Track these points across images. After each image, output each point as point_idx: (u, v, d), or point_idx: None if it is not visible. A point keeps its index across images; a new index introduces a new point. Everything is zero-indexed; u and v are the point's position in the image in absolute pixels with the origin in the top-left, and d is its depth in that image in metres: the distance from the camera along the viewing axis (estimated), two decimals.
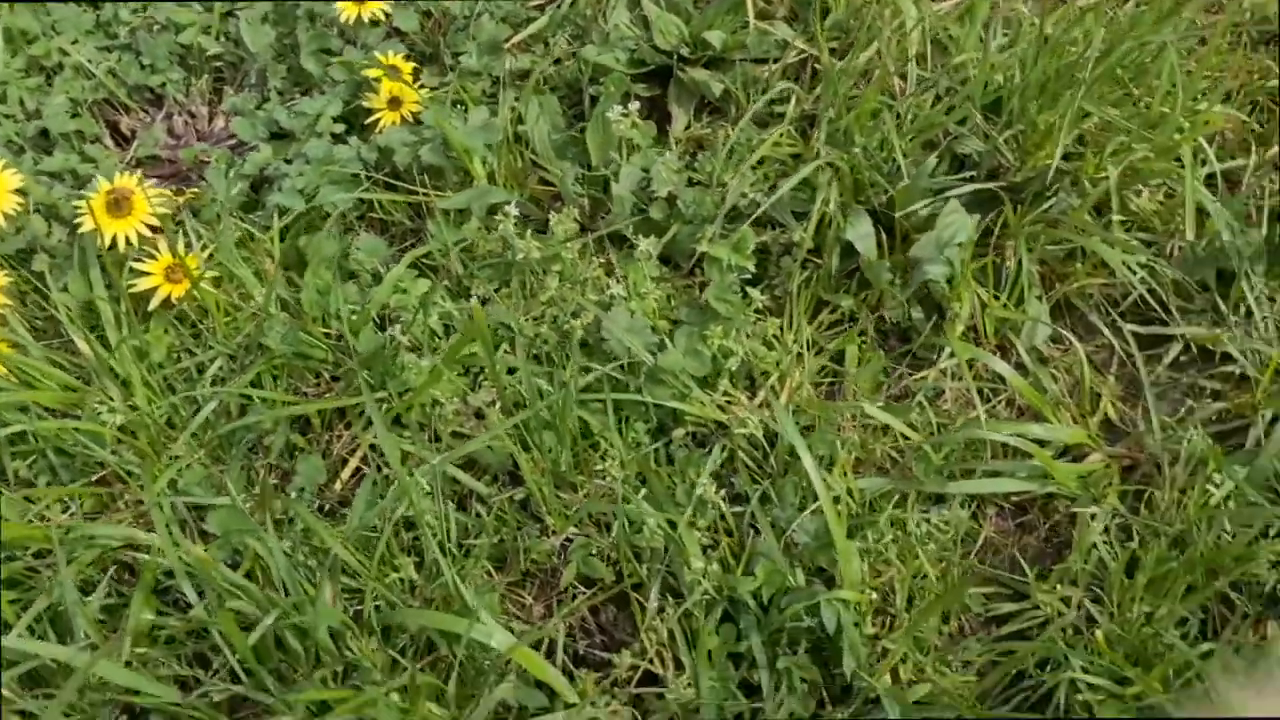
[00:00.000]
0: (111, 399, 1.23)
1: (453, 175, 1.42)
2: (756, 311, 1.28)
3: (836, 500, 1.14)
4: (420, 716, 0.98)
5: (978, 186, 1.28)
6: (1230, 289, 1.26)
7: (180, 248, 1.28)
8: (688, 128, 1.48)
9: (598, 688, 1.11)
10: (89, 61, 1.56)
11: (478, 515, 1.21)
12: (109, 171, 1.36)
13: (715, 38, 1.47)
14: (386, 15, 1.53)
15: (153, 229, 1.30)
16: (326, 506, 1.24)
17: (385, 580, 1.13)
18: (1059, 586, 1.12)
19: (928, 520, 1.15)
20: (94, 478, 1.22)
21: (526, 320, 1.29)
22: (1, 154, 1.40)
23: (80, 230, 1.29)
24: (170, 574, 1.15)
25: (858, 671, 1.04)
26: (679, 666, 1.12)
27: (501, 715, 1.09)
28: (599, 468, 1.18)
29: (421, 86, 1.48)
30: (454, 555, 1.17)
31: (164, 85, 1.59)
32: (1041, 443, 1.17)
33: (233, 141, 1.55)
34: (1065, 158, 1.28)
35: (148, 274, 1.27)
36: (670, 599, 1.14)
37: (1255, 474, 1.12)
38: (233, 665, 1.06)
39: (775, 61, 1.48)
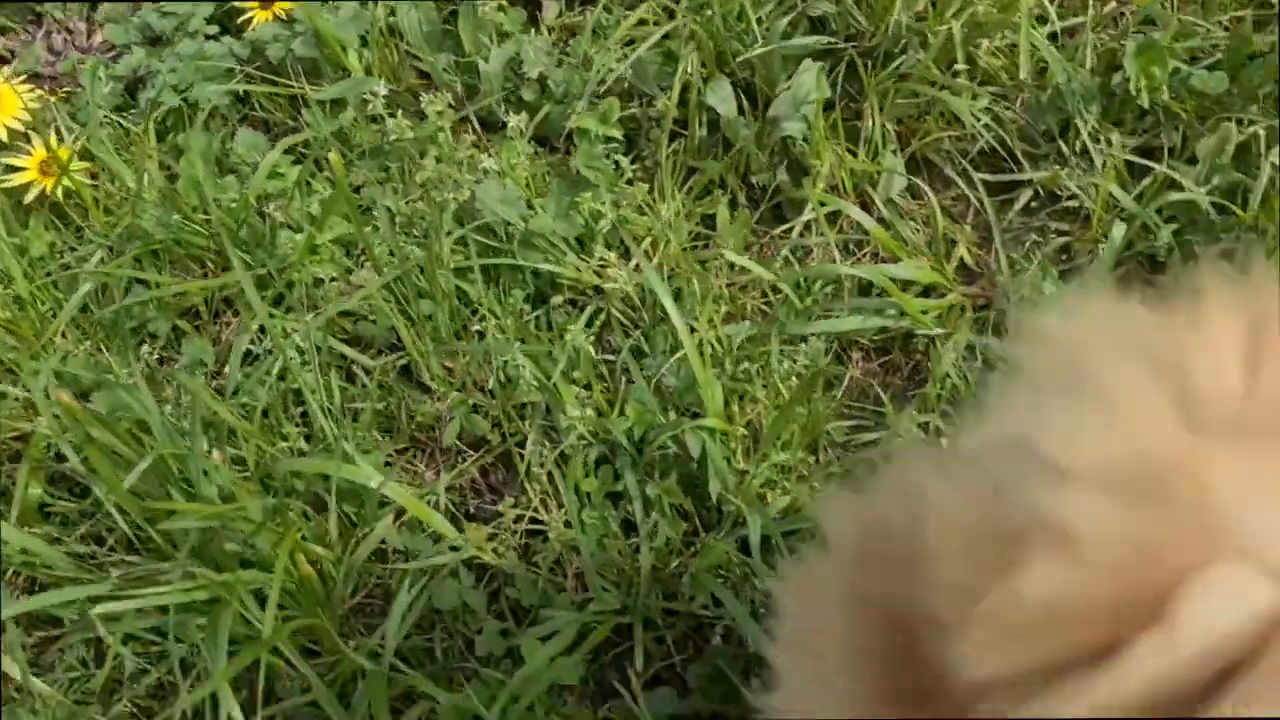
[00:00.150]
0: None
1: (329, 70, 1.45)
2: (628, 181, 1.33)
3: (703, 345, 1.20)
4: (294, 548, 1.01)
5: (831, 46, 1.33)
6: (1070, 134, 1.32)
7: (53, 142, 1.29)
8: (559, 15, 1.52)
9: (483, 534, 1.16)
10: None
11: (363, 386, 1.25)
12: None
13: None
14: None
15: (27, 128, 1.32)
16: (216, 387, 1.27)
17: (274, 448, 1.17)
18: (916, 413, 1.19)
19: (792, 360, 1.20)
20: None
21: (405, 202, 1.32)
22: None
23: None
24: (61, 457, 1.18)
25: (724, 494, 1.10)
26: (562, 510, 1.17)
27: (389, 561, 1.13)
28: (477, 329, 1.22)
29: None
30: (339, 420, 1.21)
31: (43, 3, 1.60)
32: (901, 285, 1.24)
33: (113, 54, 1.56)
34: (914, 18, 1.33)
35: (22, 169, 1.29)
36: (550, 447, 1.19)
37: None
38: (126, 532, 1.09)
39: None
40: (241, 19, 1.46)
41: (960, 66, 1.30)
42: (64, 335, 1.27)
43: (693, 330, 1.20)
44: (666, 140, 1.35)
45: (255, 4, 1.46)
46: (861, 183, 1.34)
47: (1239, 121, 1.26)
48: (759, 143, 1.33)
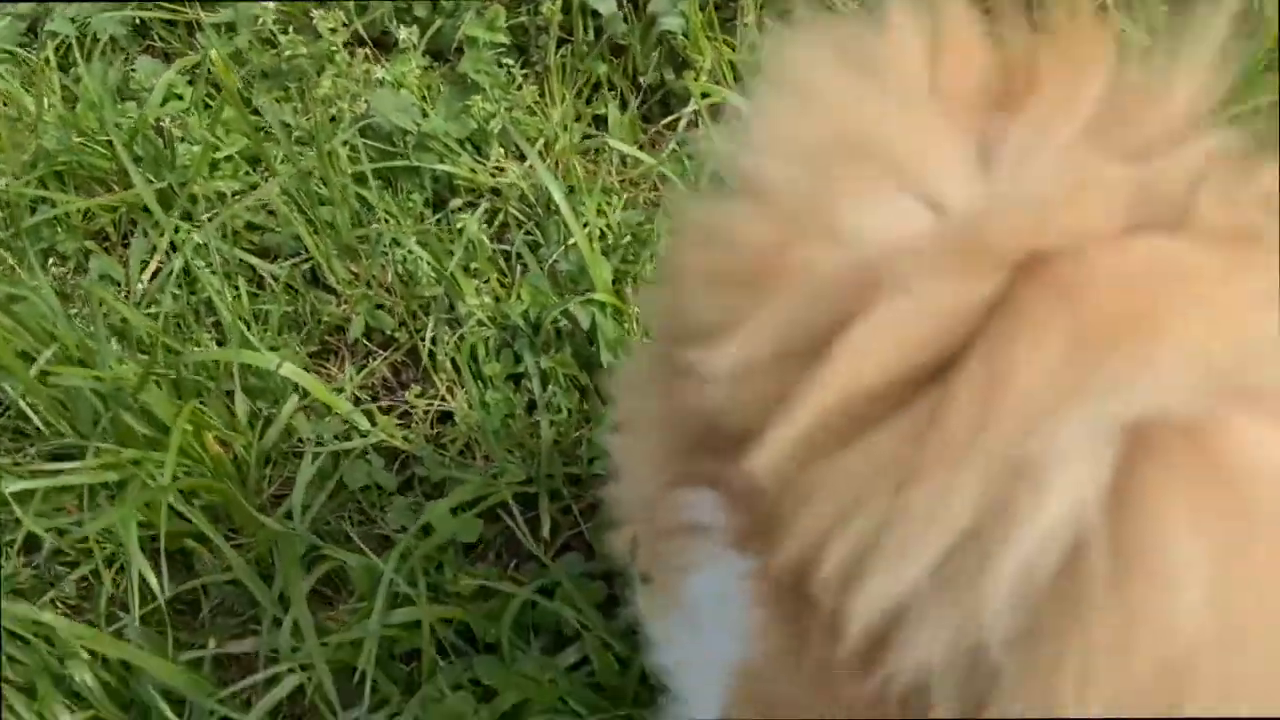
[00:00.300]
0: None
1: None
2: (518, 87, 1.38)
3: (592, 232, 1.25)
4: (199, 424, 1.06)
5: None
6: None
7: None
8: None
9: (392, 422, 1.21)
10: None
11: (272, 292, 1.29)
12: None
13: None
14: None
15: None
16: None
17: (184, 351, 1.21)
18: None
19: None
20: None
21: (304, 119, 1.36)
22: None
23: None
24: None
25: (615, 363, 1.16)
26: (467, 394, 1.22)
27: (298, 447, 1.18)
28: (375, 228, 1.27)
29: None
30: (249, 324, 1.25)
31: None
32: None
33: None
34: None
35: None
36: (452, 334, 1.24)
37: None
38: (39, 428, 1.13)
39: None
40: None
41: None
42: None
43: (584, 223, 1.25)
44: (554, 45, 1.40)
45: None
46: (744, 74, 1.39)
47: None
48: (642, 40, 1.38)
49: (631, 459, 0.71)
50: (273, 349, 1.21)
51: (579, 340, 1.20)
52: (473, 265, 1.26)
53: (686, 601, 0.67)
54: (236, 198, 1.34)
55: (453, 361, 1.23)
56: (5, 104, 1.38)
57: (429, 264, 1.24)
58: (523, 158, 1.35)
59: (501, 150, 1.34)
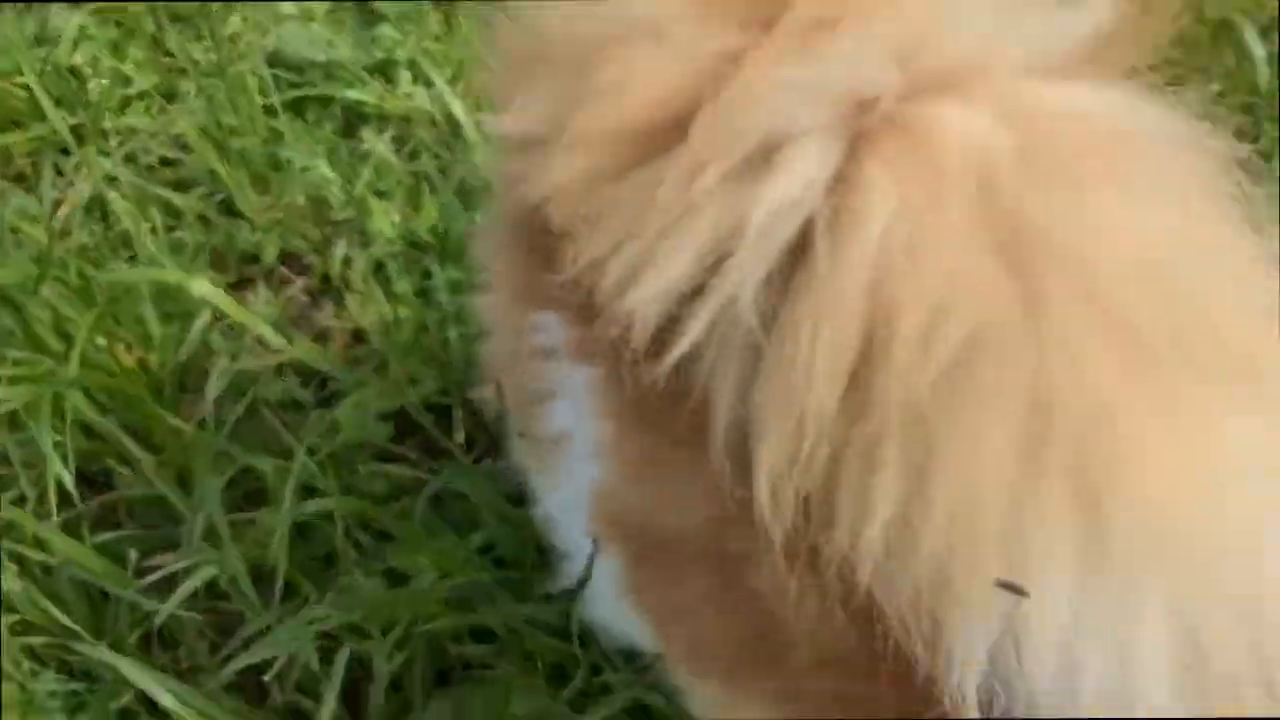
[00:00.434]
0: None
1: None
2: (424, 16, 1.41)
3: None
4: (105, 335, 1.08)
5: None
6: None
7: None
8: None
9: (308, 342, 1.24)
10: None
11: (187, 224, 1.32)
12: None
13: None
14: None
15: None
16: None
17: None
18: None
19: None
20: None
21: (214, 56, 1.39)
22: None
23: None
24: None
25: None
26: (380, 313, 1.26)
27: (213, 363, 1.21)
28: (287, 156, 1.30)
29: None
30: (166, 255, 1.28)
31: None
32: None
33: None
34: None
35: None
36: (363, 252, 1.27)
37: None
38: None
39: None
40: None
41: None
42: None
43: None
44: None
45: None
46: None
47: None
48: None
49: (495, 314, 0.75)
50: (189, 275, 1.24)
51: None
52: (382, 188, 1.29)
53: (550, 436, 0.71)
54: (155, 138, 1.36)
55: (364, 279, 1.26)
56: None
57: (339, 187, 1.27)
58: (430, 84, 1.38)
59: (410, 76, 1.37)
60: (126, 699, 1.01)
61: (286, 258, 1.32)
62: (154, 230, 1.29)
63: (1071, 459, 0.43)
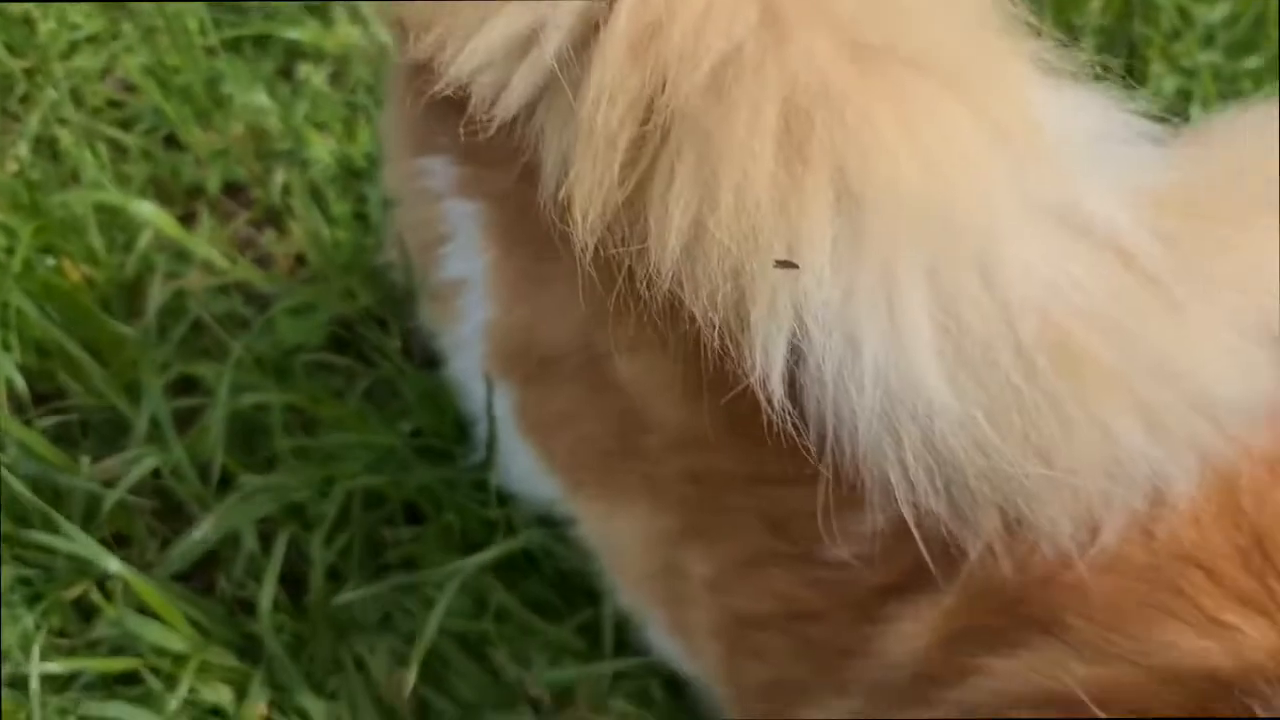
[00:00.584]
0: None
1: None
2: None
3: None
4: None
5: None
6: None
7: None
8: None
9: (250, 265, 1.30)
10: None
11: (134, 160, 1.38)
12: None
13: None
14: None
15: None
16: None
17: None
18: None
19: None
20: None
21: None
22: None
23: None
24: None
25: None
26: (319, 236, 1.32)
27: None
28: (228, 91, 1.36)
29: None
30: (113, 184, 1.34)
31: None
32: None
33: None
34: None
35: None
36: (301, 175, 1.33)
37: None
38: None
39: None
40: None
41: None
42: None
43: None
44: None
45: None
46: None
47: None
48: None
49: (394, 179, 0.81)
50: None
51: None
52: (319, 120, 1.36)
53: (446, 283, 0.78)
54: (100, 81, 1.42)
55: (303, 205, 1.32)
56: None
57: (278, 117, 1.33)
58: (366, 24, 1.44)
59: (347, 17, 1.43)
60: (81, 587, 1.07)
61: (230, 190, 1.38)
62: (101, 166, 1.35)
63: (827, 154, 0.51)
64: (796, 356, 0.53)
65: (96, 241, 1.26)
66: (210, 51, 1.40)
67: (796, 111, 0.51)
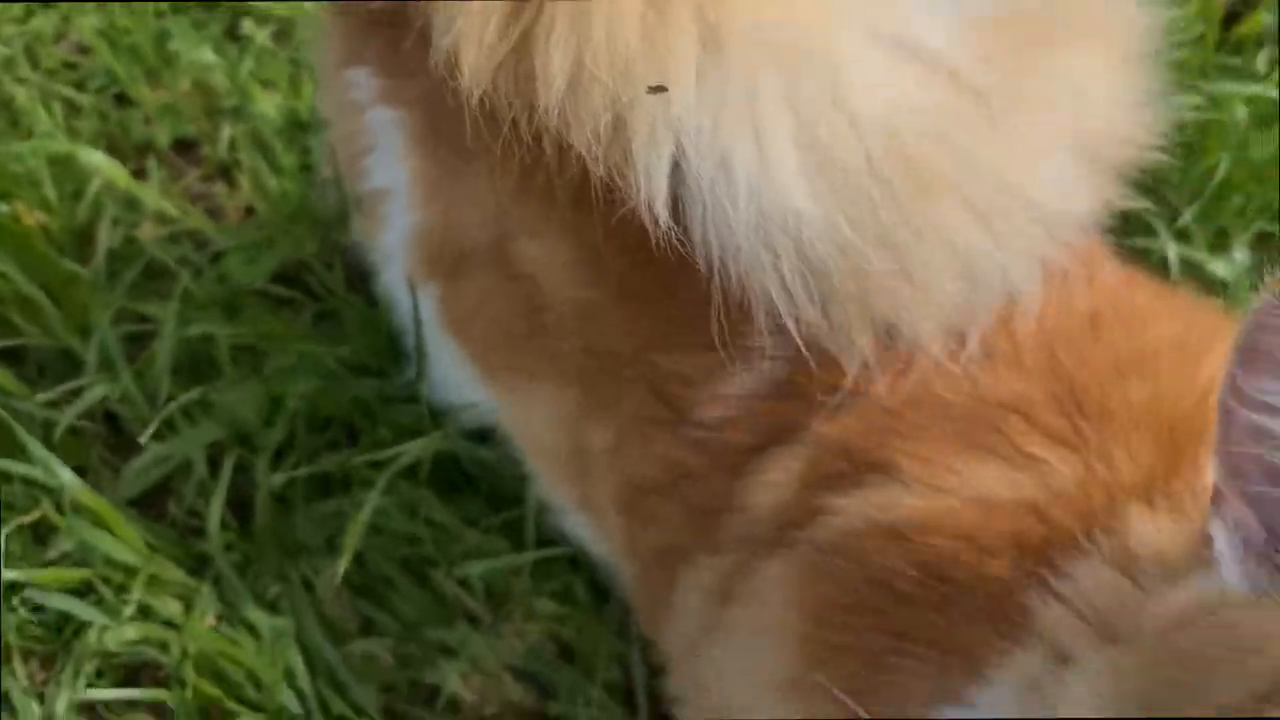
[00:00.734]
0: None
1: None
2: None
3: None
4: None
5: None
6: None
7: None
8: None
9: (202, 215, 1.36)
10: None
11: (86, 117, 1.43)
12: None
13: None
14: None
15: None
16: None
17: None
18: None
19: None
20: None
21: None
22: None
23: None
24: None
25: None
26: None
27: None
28: (175, 49, 1.42)
29: None
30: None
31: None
32: None
33: None
34: None
35: None
36: (247, 130, 1.39)
37: None
38: None
39: None
40: None
41: None
42: None
43: None
44: None
45: None
46: None
47: None
48: None
49: (326, 101, 0.87)
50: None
51: None
52: (265, 77, 1.42)
53: (373, 192, 0.84)
54: (55, 45, 1.48)
55: (251, 160, 1.38)
56: None
57: (224, 72, 1.39)
58: None
59: None
60: (39, 512, 1.12)
61: (181, 147, 1.43)
62: (55, 124, 1.40)
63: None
64: (678, 179, 0.60)
65: (50, 192, 1.31)
66: (159, 15, 1.45)
67: None
